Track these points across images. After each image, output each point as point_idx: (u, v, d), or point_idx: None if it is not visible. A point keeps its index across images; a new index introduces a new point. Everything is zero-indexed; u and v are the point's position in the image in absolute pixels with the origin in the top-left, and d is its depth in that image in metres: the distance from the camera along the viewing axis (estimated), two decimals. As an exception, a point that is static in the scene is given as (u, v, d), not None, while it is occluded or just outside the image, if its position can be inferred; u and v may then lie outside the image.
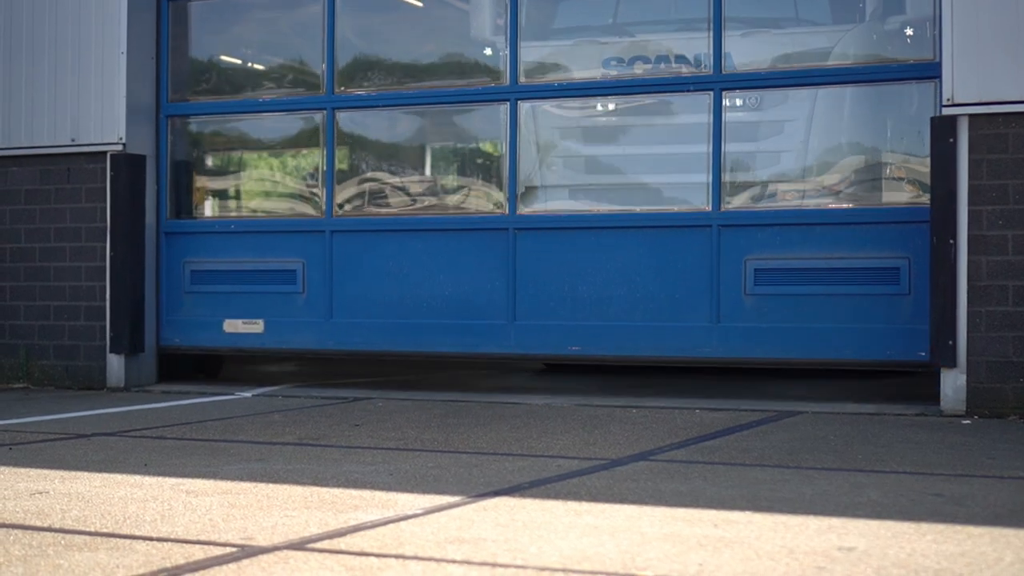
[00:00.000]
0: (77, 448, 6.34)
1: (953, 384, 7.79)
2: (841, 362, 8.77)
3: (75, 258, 9.83)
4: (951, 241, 7.77)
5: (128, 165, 9.66)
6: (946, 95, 7.81)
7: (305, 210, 9.94)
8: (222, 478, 5.29)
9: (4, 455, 6.07)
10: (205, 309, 9.97)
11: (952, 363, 7.77)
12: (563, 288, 9.10)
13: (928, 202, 8.07)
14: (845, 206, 8.75)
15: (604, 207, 9.56)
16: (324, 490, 4.97)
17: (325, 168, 9.75)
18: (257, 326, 9.80)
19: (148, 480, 5.24)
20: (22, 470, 5.55)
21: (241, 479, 5.26)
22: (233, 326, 9.85)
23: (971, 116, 7.76)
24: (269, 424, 7.40)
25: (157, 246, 10.01)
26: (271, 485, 5.09)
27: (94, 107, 9.75)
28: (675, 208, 9.15)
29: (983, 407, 7.69)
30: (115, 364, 9.72)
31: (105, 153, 9.72)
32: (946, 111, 7.81)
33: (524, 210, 9.36)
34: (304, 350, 9.88)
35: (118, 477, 5.34)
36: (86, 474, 5.42)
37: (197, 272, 10.01)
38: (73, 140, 9.80)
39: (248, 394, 9.34)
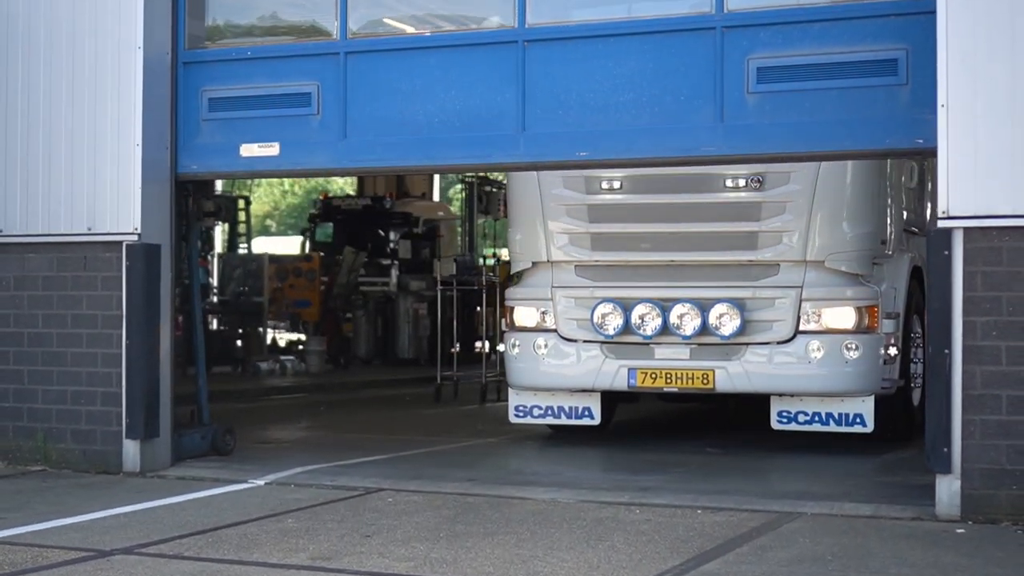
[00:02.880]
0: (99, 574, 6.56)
1: (948, 490, 7.99)
2: (843, 153, 9.29)
3: (91, 344, 10.05)
4: (946, 351, 7.97)
5: (144, 255, 9.88)
6: (941, 208, 8.01)
7: (320, 34, 10.18)
8: (239, 629, 5.50)
9: (28, 588, 6.29)
10: (222, 135, 10.26)
11: (947, 470, 7.97)
12: (571, 96, 9.38)
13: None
14: (844, 1, 8.89)
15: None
16: (338, 649, 5.18)
17: None
18: (273, 149, 10.06)
19: (169, 634, 5.45)
20: (47, 614, 5.77)
21: (258, 630, 5.47)
22: (249, 150, 10.11)
23: (966, 229, 7.96)
24: (283, 534, 7.60)
25: (173, 107, 10.20)
26: (287, 642, 5.30)
27: (110, 197, 9.97)
28: (678, 12, 9.36)
29: (977, 513, 7.89)
30: (131, 449, 9.95)
31: (121, 243, 9.94)
32: (942, 223, 8.01)
33: (533, 22, 9.54)
34: (319, 169, 10.45)
35: (139, 627, 5.55)
36: (109, 622, 5.64)
37: (214, 100, 10.28)
38: (89, 229, 10.03)
39: (261, 482, 9.56)
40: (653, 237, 11.28)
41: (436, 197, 36.66)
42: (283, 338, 26.11)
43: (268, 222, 52.75)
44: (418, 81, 9.76)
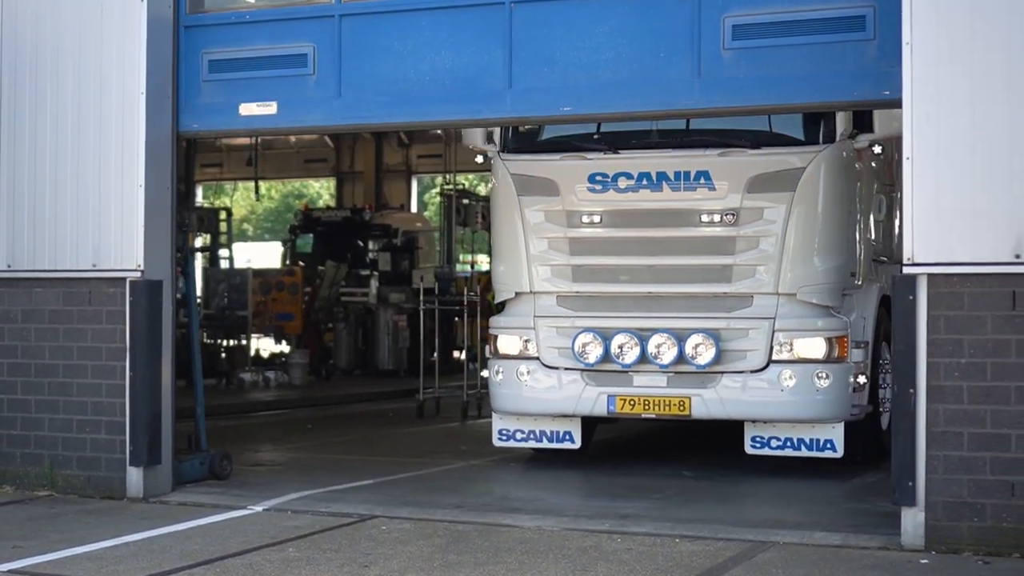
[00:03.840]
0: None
1: (913, 521, 8.50)
2: (814, 105, 10.02)
3: (96, 376, 10.49)
4: (911, 390, 8.48)
5: (146, 291, 10.32)
6: (907, 255, 8.53)
7: None
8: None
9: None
10: (222, 95, 10.83)
11: (912, 502, 8.48)
12: (555, 55, 9.98)
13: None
14: None
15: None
16: None
17: None
18: (271, 108, 10.63)
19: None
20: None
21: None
22: (248, 109, 10.68)
23: (930, 275, 8.48)
24: (286, 564, 8.04)
25: (175, 56, 10.70)
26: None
27: (114, 235, 10.42)
28: None
29: (940, 543, 8.40)
30: (134, 476, 10.39)
31: (124, 279, 10.37)
32: (907, 270, 8.52)
33: None
34: (315, 127, 11.23)
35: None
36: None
37: (214, 62, 10.84)
38: (94, 265, 10.47)
39: (259, 508, 10.00)
40: (632, 270, 11.75)
41: (414, 208, 37.19)
42: (266, 350, 26.54)
43: (245, 226, 53.06)
44: (409, 42, 10.32)
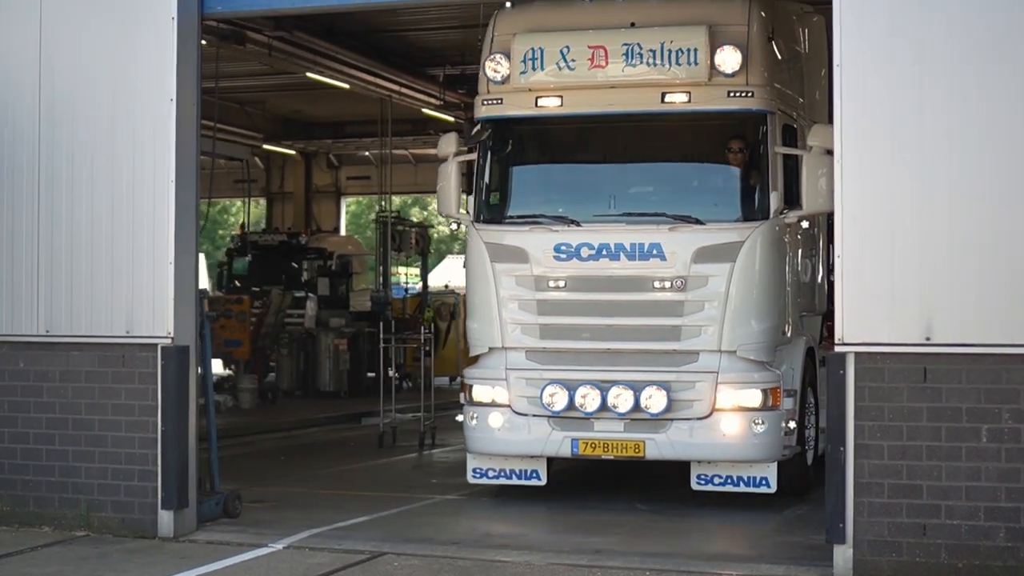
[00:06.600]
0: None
1: (843, 556, 10.23)
2: None
3: (130, 430, 11.91)
4: (842, 448, 10.21)
5: (176, 356, 11.77)
6: (838, 336, 10.26)
7: None
8: None
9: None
10: None
11: (842, 541, 10.21)
12: None
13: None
14: None
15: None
16: None
17: None
18: None
19: None
20: None
21: None
22: None
23: (857, 353, 10.21)
24: (325, 601, 9.56)
25: None
26: None
27: (146, 305, 11.83)
28: None
29: (866, 575, 10.14)
30: (165, 518, 11.83)
31: (156, 345, 11.80)
32: (838, 348, 10.26)
33: None
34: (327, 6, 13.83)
35: None
36: None
37: None
38: (127, 332, 11.88)
39: (279, 546, 11.46)
40: (593, 328, 13.34)
41: (343, 231, 38.64)
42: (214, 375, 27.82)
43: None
44: None
